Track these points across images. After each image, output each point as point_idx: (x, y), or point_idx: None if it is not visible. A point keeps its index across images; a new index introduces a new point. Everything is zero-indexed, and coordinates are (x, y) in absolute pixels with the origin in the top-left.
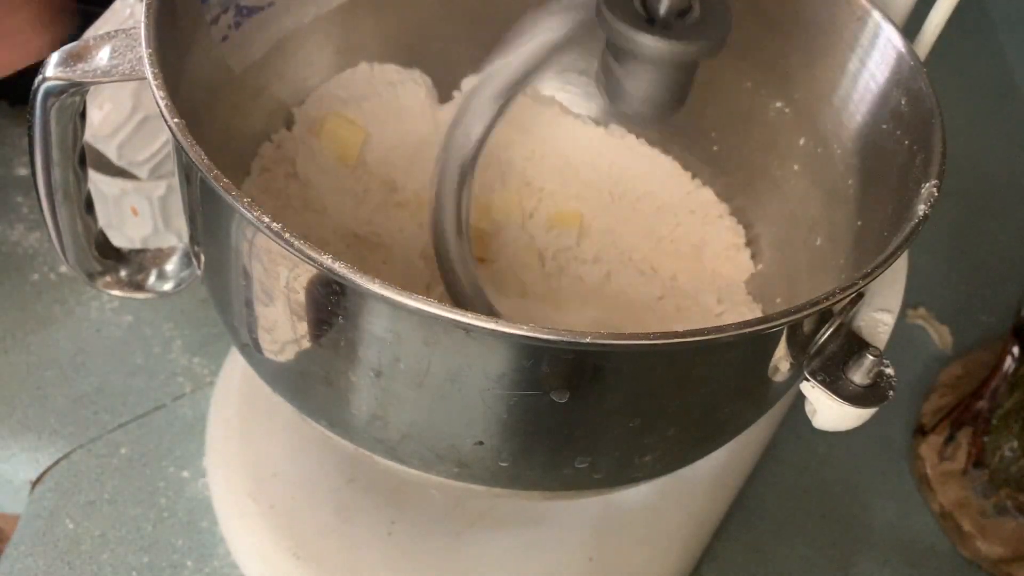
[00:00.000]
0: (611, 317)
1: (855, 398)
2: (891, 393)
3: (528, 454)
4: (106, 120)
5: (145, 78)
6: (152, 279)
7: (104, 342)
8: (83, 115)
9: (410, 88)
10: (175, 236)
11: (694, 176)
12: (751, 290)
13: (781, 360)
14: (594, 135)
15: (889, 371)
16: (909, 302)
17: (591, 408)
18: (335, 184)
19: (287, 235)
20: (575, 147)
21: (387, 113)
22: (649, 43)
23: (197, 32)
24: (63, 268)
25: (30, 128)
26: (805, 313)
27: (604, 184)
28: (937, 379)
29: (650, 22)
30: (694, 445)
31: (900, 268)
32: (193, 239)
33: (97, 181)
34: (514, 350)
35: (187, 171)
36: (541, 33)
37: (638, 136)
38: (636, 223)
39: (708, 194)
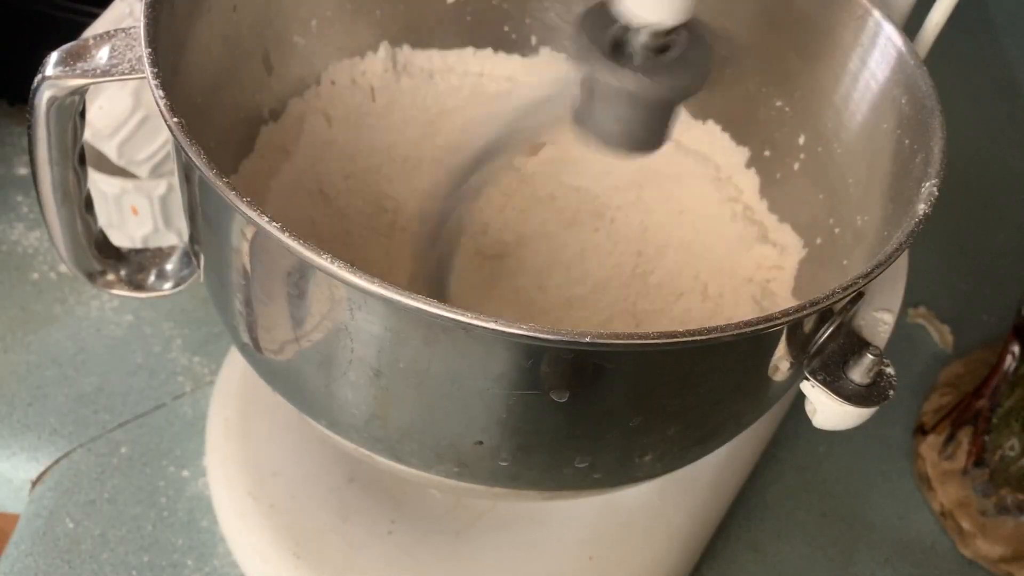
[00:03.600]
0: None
1: (855, 397)
2: (891, 392)
3: (528, 454)
4: (106, 119)
5: (145, 77)
6: (152, 278)
7: (104, 341)
8: (83, 115)
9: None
10: (175, 235)
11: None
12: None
13: (781, 359)
14: None
15: (889, 370)
16: (910, 301)
17: (591, 408)
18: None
19: (286, 234)
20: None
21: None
22: (622, 79)
23: (198, 21)
24: (63, 267)
25: (30, 128)
26: (805, 312)
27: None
28: (937, 378)
29: (628, 56)
30: (694, 444)
31: (900, 267)
32: (193, 238)
33: (97, 180)
34: (514, 350)
35: (187, 170)
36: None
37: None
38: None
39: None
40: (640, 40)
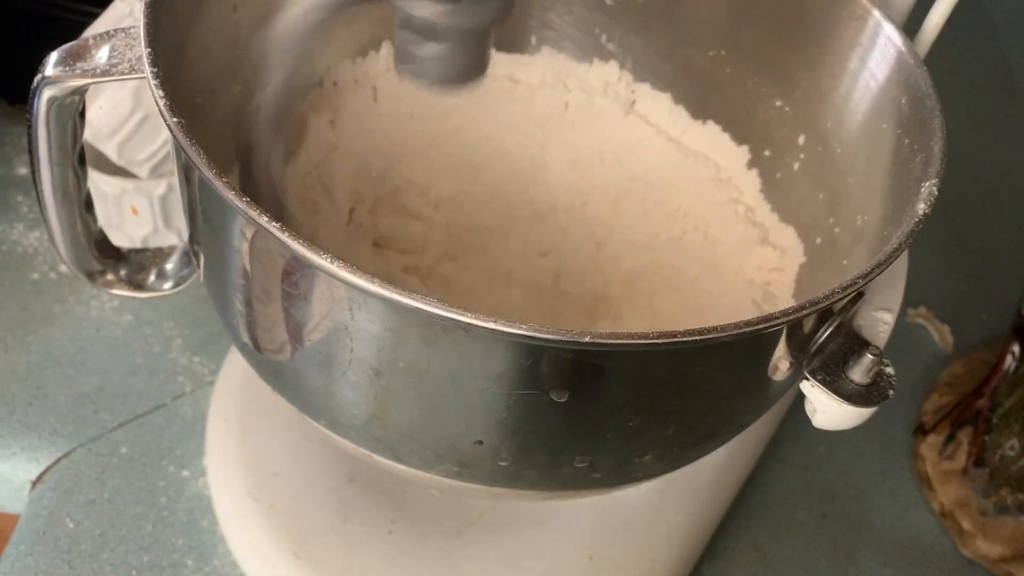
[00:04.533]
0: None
1: (855, 397)
2: (891, 392)
3: (528, 453)
4: (106, 119)
5: (145, 77)
6: (152, 278)
7: (104, 341)
8: (83, 114)
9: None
10: (175, 235)
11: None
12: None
13: (781, 359)
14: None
15: (889, 370)
16: (910, 301)
17: (591, 407)
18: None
19: (286, 234)
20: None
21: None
22: (435, 13)
23: (198, 21)
24: (63, 267)
25: (30, 127)
26: (805, 312)
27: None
28: (938, 378)
29: None
30: (694, 444)
31: (900, 267)
32: (193, 238)
33: (97, 180)
34: (514, 349)
35: (186, 170)
36: None
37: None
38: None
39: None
40: None
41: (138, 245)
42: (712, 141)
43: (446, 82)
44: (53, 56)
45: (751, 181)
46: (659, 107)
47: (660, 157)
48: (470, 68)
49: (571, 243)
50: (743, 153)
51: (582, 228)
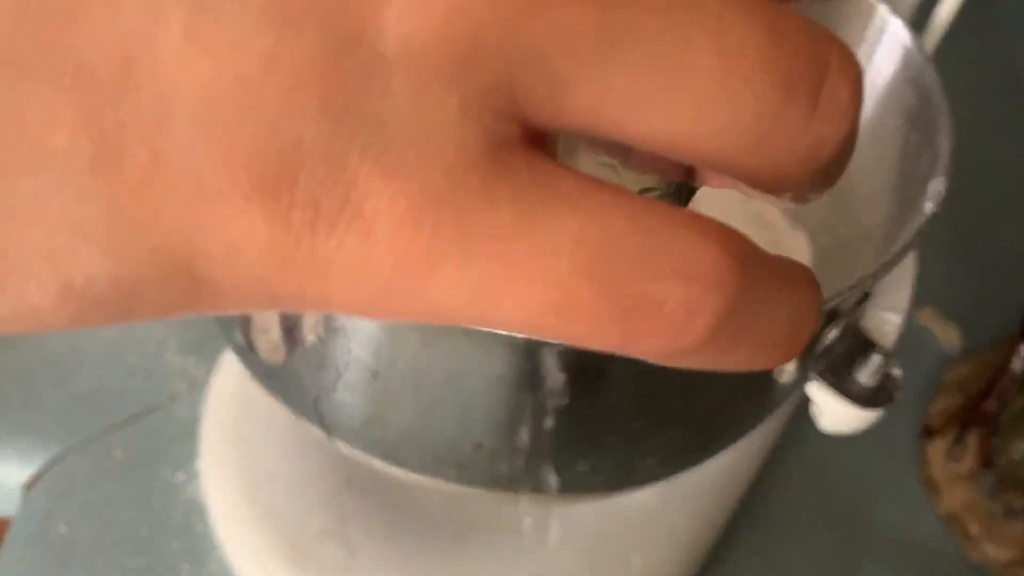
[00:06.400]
0: None
1: (862, 399)
2: (898, 394)
3: (528, 457)
4: None
5: None
6: None
7: (98, 342)
8: None
9: None
10: None
11: None
12: None
13: None
14: None
15: (896, 372)
16: (916, 301)
17: (592, 410)
18: None
19: None
20: None
21: None
22: None
23: None
24: None
25: None
26: None
27: None
28: (945, 380)
29: None
30: (698, 448)
31: (908, 267)
32: None
33: None
34: (513, 351)
35: None
36: None
37: None
38: None
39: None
40: None
41: None
42: None
43: None
44: None
45: None
46: None
47: None
48: None
49: None
50: None
51: None
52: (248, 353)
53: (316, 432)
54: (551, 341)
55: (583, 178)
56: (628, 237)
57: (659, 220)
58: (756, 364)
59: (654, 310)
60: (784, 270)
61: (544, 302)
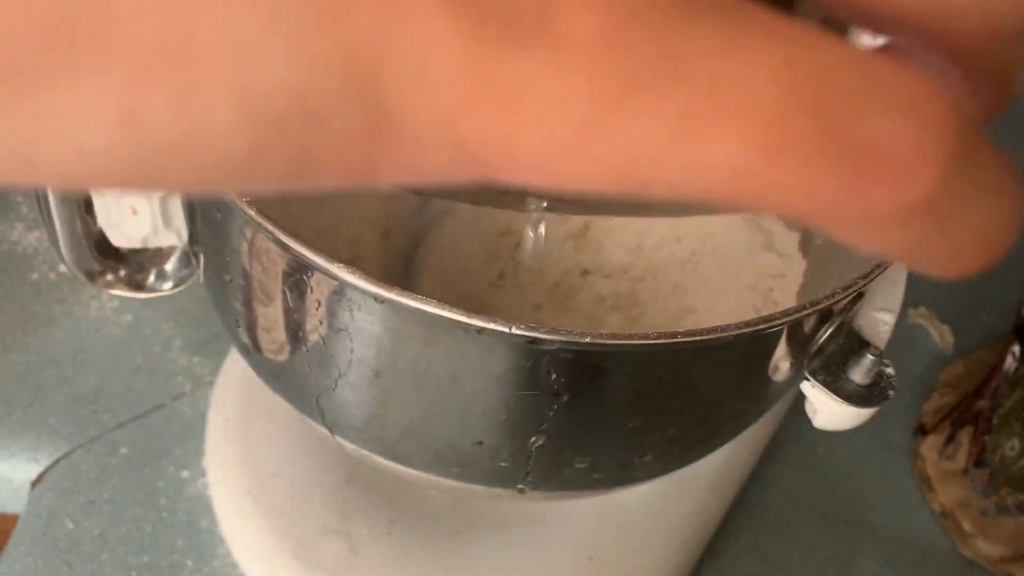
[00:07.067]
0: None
1: (855, 398)
2: (891, 392)
3: (528, 454)
4: None
5: None
6: (152, 278)
7: (104, 341)
8: None
9: None
10: (175, 235)
11: None
12: None
13: (781, 360)
14: None
15: (889, 370)
16: (910, 301)
17: (591, 408)
18: None
19: (285, 235)
20: None
21: None
22: None
23: None
24: (63, 267)
25: None
26: (805, 313)
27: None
28: (938, 378)
29: None
30: (695, 445)
31: (901, 267)
32: (193, 238)
33: None
34: (513, 350)
35: None
36: None
37: None
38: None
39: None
40: None
41: (137, 245)
42: None
43: None
44: None
45: None
46: None
47: None
48: None
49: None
50: None
51: (582, 232)
52: (252, 352)
53: (319, 430)
54: (746, 213)
55: (784, 15)
56: (845, 70)
57: (879, 60)
58: (959, 259)
59: (879, 150)
60: (998, 153)
61: (752, 140)
